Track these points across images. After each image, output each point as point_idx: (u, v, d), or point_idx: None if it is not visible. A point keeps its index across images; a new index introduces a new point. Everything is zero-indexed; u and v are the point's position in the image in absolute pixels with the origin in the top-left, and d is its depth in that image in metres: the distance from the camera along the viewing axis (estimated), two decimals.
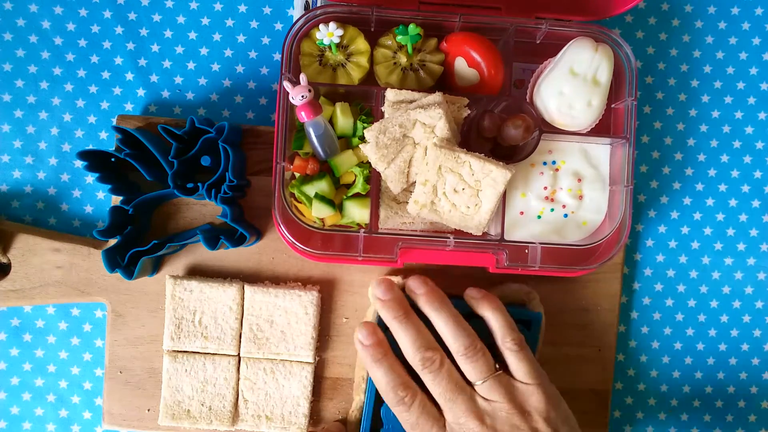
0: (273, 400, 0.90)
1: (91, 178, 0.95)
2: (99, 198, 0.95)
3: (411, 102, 0.84)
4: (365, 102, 0.89)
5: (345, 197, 0.87)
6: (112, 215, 0.88)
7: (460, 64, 0.86)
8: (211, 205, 0.92)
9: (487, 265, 0.86)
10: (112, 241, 0.90)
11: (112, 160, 0.90)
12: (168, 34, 0.95)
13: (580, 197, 0.88)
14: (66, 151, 0.95)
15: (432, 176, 0.82)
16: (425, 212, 0.84)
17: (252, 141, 0.92)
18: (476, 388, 0.80)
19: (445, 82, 0.88)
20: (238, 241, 0.88)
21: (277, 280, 0.93)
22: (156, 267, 0.92)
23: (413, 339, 0.81)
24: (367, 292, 0.92)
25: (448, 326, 0.82)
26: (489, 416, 0.79)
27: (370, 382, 0.87)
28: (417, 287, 0.84)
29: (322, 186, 0.85)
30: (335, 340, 0.94)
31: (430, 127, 0.82)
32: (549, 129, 0.87)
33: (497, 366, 0.81)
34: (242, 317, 0.90)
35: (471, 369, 0.80)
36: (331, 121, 0.86)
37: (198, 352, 0.90)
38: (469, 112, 0.85)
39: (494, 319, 0.83)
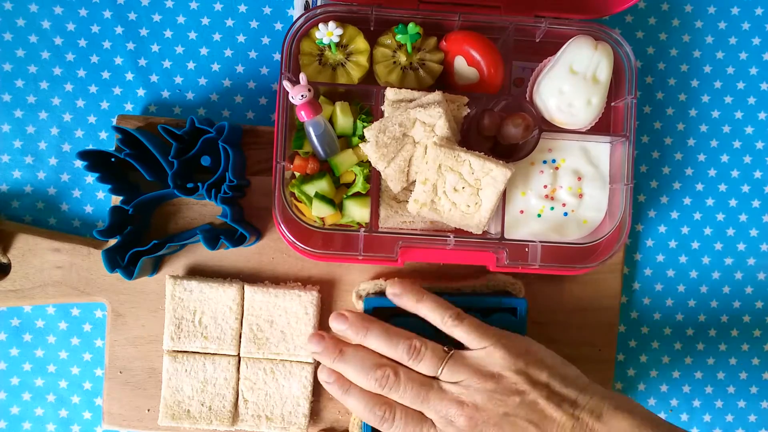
0: (273, 400, 0.90)
1: (91, 178, 0.95)
2: (99, 198, 0.95)
3: (411, 101, 0.84)
4: (365, 101, 0.89)
5: (345, 196, 0.87)
6: (112, 215, 0.88)
7: (460, 63, 0.86)
8: (211, 205, 0.92)
9: (488, 264, 0.86)
10: (112, 241, 0.90)
11: (112, 160, 0.90)
12: (168, 34, 0.96)
13: (580, 196, 0.88)
14: (66, 151, 0.95)
15: (432, 175, 0.82)
16: (425, 211, 0.84)
17: (252, 141, 0.92)
18: (440, 378, 0.81)
19: (444, 81, 0.89)
20: (238, 241, 0.88)
21: (277, 280, 0.93)
22: (156, 267, 0.92)
23: (359, 368, 0.82)
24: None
25: (381, 341, 0.83)
26: (465, 395, 0.79)
27: None
28: (339, 324, 0.85)
29: (322, 185, 0.85)
30: None
31: (430, 126, 0.82)
32: (549, 127, 0.87)
33: (446, 348, 0.82)
34: (242, 317, 0.90)
35: (423, 366, 0.81)
36: (331, 120, 0.86)
37: (198, 352, 0.90)
38: (468, 110, 0.85)
39: (424, 307, 0.84)
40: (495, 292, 0.92)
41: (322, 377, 0.85)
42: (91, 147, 0.95)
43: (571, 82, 0.84)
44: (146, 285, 0.93)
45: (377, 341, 0.83)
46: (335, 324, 0.85)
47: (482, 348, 0.81)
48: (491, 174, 0.81)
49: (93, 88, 0.95)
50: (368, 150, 0.83)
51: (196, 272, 0.93)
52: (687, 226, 0.98)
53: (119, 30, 0.95)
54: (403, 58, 0.87)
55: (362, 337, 0.83)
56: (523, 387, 0.79)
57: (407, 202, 0.85)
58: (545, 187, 0.88)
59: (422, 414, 0.81)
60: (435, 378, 0.81)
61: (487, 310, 0.88)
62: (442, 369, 0.80)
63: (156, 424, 0.92)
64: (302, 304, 0.90)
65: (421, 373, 0.81)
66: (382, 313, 0.88)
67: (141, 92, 0.96)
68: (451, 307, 0.83)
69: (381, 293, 0.90)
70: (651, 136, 0.98)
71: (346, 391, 0.83)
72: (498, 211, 0.86)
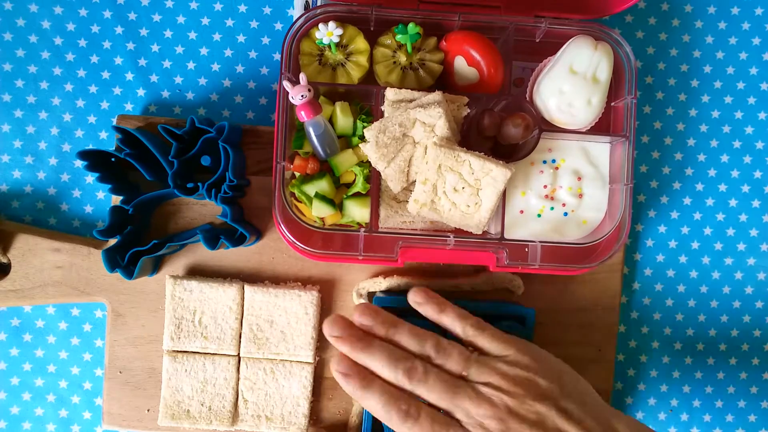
0: (273, 400, 0.90)
1: (91, 178, 0.95)
2: (99, 198, 0.96)
3: (411, 101, 0.84)
4: (365, 101, 0.89)
5: (345, 196, 0.87)
6: (112, 215, 0.89)
7: (460, 63, 0.86)
8: (211, 205, 0.92)
9: (488, 264, 0.86)
10: (112, 241, 0.90)
11: (112, 159, 0.90)
12: (168, 34, 0.96)
13: (580, 196, 0.88)
14: (66, 151, 0.95)
15: (432, 175, 0.82)
16: (425, 211, 0.84)
17: (252, 141, 0.93)
18: (468, 378, 0.78)
19: (444, 81, 0.89)
20: (238, 241, 0.88)
21: (277, 280, 0.93)
22: (156, 267, 0.92)
23: (386, 359, 0.78)
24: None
25: (409, 336, 0.79)
26: (496, 396, 0.76)
27: None
28: (368, 319, 0.81)
29: (322, 185, 0.85)
30: None
31: (430, 126, 0.82)
32: (549, 127, 0.87)
33: (471, 349, 0.79)
34: (242, 317, 0.90)
35: (452, 362, 0.78)
36: (331, 120, 0.86)
37: (198, 352, 0.90)
38: (468, 110, 0.85)
39: (446, 317, 0.82)
40: (496, 290, 0.93)
41: (339, 369, 0.78)
42: (91, 147, 0.95)
43: (571, 82, 0.84)
44: (146, 285, 0.93)
45: (406, 336, 0.79)
46: (364, 318, 0.80)
47: (507, 355, 0.79)
48: (491, 174, 0.81)
49: (93, 88, 0.95)
50: (368, 150, 0.83)
51: (196, 272, 0.93)
52: (687, 226, 0.98)
53: (119, 30, 0.95)
54: (403, 58, 0.87)
55: (392, 331, 0.80)
56: (555, 394, 0.77)
57: (407, 202, 0.85)
58: (545, 187, 0.88)
59: (448, 416, 0.77)
60: (463, 378, 0.78)
61: (495, 317, 0.88)
62: (470, 368, 0.77)
63: (156, 424, 0.92)
64: (302, 304, 0.90)
65: (449, 373, 0.78)
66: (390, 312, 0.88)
67: (141, 92, 0.96)
68: (471, 316, 0.81)
69: (387, 291, 0.90)
70: (651, 136, 0.98)
71: (366, 386, 0.77)
72: (498, 211, 0.86)
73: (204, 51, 0.96)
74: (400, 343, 0.80)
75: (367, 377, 0.77)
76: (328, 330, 0.80)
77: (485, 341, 0.80)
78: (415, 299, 0.83)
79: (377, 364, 0.78)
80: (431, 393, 0.77)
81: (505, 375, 0.77)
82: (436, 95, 0.83)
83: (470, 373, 0.78)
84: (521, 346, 0.80)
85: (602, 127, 0.89)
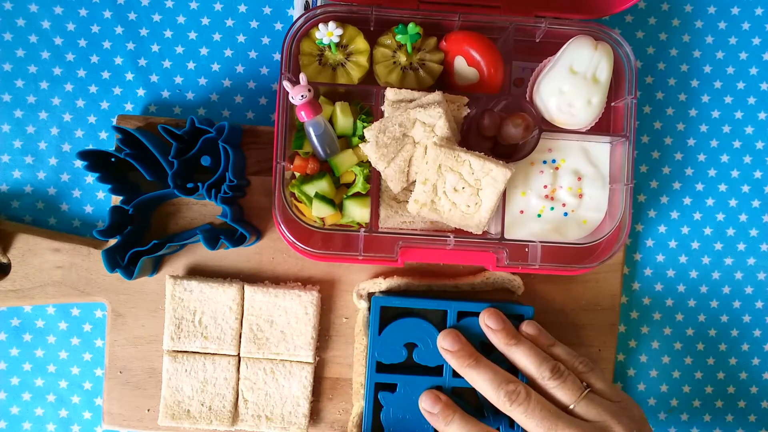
0: (273, 400, 0.90)
1: (91, 178, 0.95)
2: (99, 198, 0.95)
3: (411, 101, 0.84)
4: (365, 101, 0.89)
5: (345, 197, 0.87)
6: (112, 215, 0.88)
7: (460, 63, 0.86)
8: (211, 205, 0.92)
9: (488, 264, 0.86)
10: (112, 241, 0.90)
11: (112, 160, 0.90)
12: (168, 34, 0.96)
13: (580, 196, 0.88)
14: (66, 151, 0.95)
15: (432, 175, 0.82)
16: (425, 211, 0.84)
17: (252, 141, 0.92)
18: (573, 410, 0.80)
19: (444, 81, 0.89)
20: (238, 241, 0.88)
21: (277, 280, 0.93)
22: (156, 267, 0.92)
23: (491, 378, 0.81)
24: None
25: (530, 353, 0.82)
26: None
27: (368, 387, 0.87)
28: (496, 323, 0.85)
29: (322, 185, 0.85)
30: (335, 340, 0.94)
31: (430, 126, 0.82)
32: (549, 127, 0.87)
33: (585, 384, 0.82)
34: (242, 317, 0.90)
35: (562, 392, 0.80)
36: (331, 120, 0.86)
37: (198, 352, 0.90)
38: (468, 111, 0.85)
39: (560, 350, 0.86)
40: (496, 290, 0.93)
41: (425, 407, 0.85)
42: (91, 147, 0.95)
43: (571, 82, 0.83)
44: (146, 285, 0.93)
45: (528, 352, 0.82)
46: (492, 321, 0.85)
47: (619, 401, 0.81)
48: (491, 174, 0.81)
49: (93, 88, 0.95)
50: (368, 150, 0.83)
51: (196, 272, 0.93)
52: (687, 226, 0.98)
53: (119, 30, 0.95)
54: (403, 59, 0.87)
55: (513, 343, 0.83)
56: None
57: (407, 202, 0.85)
58: (545, 187, 0.88)
59: None
60: (565, 409, 0.80)
61: None
62: (579, 401, 0.80)
63: (156, 424, 0.92)
64: (302, 304, 0.90)
65: (552, 401, 0.81)
66: (388, 313, 0.88)
67: (141, 92, 0.96)
68: (576, 355, 0.85)
69: (387, 292, 0.90)
70: (651, 136, 0.98)
71: (449, 422, 0.82)
72: (498, 211, 0.86)
73: (204, 51, 0.96)
74: (516, 359, 0.83)
75: (449, 414, 0.83)
76: (441, 342, 0.85)
77: (597, 381, 0.82)
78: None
79: (480, 383, 0.82)
80: (530, 419, 0.79)
81: (613, 414, 0.79)
82: (436, 95, 0.83)
83: (578, 406, 0.80)
84: (629, 396, 0.83)
85: (602, 127, 0.89)
